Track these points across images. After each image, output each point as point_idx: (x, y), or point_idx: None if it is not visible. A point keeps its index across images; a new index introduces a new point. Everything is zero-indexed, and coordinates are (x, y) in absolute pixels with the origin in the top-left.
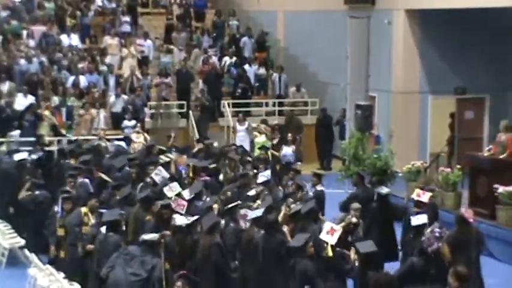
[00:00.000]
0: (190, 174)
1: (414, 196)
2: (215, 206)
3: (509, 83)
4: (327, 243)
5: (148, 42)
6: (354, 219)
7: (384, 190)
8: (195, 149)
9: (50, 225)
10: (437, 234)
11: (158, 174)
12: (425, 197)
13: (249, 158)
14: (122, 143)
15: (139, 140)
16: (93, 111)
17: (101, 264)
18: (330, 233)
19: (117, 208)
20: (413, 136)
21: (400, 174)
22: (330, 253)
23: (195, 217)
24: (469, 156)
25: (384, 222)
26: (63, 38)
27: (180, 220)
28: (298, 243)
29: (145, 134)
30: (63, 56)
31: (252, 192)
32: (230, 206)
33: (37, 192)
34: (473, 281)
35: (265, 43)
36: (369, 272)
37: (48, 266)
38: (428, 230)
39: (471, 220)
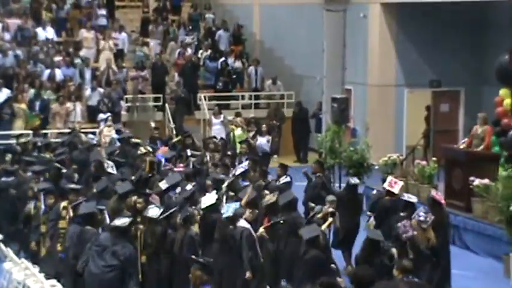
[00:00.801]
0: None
1: (386, 185)
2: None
3: (483, 76)
4: None
5: (123, 35)
6: (331, 209)
7: (354, 180)
8: (174, 140)
9: (33, 220)
10: (422, 218)
11: (108, 166)
12: (396, 187)
13: (229, 152)
14: (114, 135)
15: (110, 133)
16: (69, 104)
17: (77, 258)
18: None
19: (94, 201)
20: (389, 129)
21: (376, 167)
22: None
23: (173, 209)
24: (444, 148)
25: (351, 212)
26: (39, 31)
27: (152, 211)
28: (313, 234)
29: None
30: (39, 50)
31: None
32: (208, 204)
33: (3, 179)
34: (443, 265)
35: (241, 36)
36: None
37: (23, 260)
38: (414, 214)
39: (443, 202)
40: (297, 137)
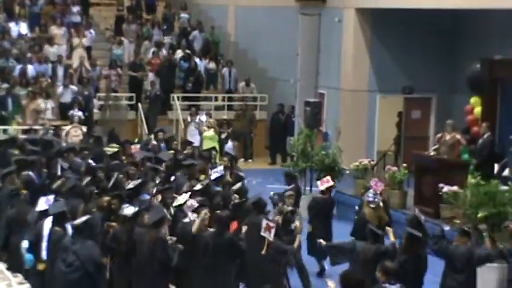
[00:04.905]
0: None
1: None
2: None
3: (455, 84)
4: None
5: (92, 31)
6: (289, 208)
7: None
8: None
9: None
10: (370, 198)
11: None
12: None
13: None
14: None
15: (76, 133)
16: (40, 101)
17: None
18: (267, 229)
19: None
20: (361, 134)
21: (347, 172)
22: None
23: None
24: (415, 155)
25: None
26: (12, 26)
27: (128, 210)
28: None
29: (83, 128)
30: (11, 44)
31: (198, 187)
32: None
33: None
34: None
35: (215, 37)
36: None
37: None
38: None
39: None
40: (274, 139)
